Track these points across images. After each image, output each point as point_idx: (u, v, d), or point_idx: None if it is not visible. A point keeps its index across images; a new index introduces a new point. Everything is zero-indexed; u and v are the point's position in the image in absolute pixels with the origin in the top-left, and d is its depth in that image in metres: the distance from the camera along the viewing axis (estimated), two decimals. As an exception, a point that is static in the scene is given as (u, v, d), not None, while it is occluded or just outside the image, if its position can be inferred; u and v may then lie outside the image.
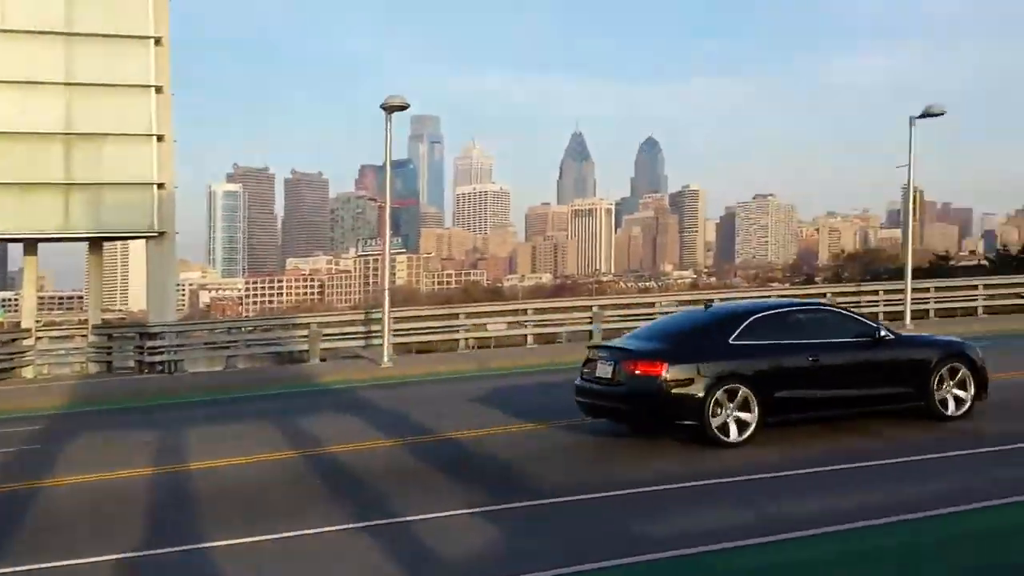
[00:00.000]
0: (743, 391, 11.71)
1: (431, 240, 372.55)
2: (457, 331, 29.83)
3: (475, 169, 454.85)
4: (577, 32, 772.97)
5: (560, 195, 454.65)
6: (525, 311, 31.76)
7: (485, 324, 30.64)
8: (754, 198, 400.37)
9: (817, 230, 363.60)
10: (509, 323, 31.19)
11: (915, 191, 31.86)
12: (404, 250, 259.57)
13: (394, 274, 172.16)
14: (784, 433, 11.94)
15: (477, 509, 9.12)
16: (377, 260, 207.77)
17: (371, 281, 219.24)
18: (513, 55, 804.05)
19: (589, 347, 13.94)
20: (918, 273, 35.30)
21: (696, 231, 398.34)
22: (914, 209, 32.21)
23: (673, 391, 11.68)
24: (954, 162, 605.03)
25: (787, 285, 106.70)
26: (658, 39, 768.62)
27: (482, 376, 22.12)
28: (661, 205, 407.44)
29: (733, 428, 11.66)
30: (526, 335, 30.16)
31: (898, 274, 34.11)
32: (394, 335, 27.08)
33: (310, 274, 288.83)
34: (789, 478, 9.97)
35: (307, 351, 28.15)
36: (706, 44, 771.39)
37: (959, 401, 12.72)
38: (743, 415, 11.71)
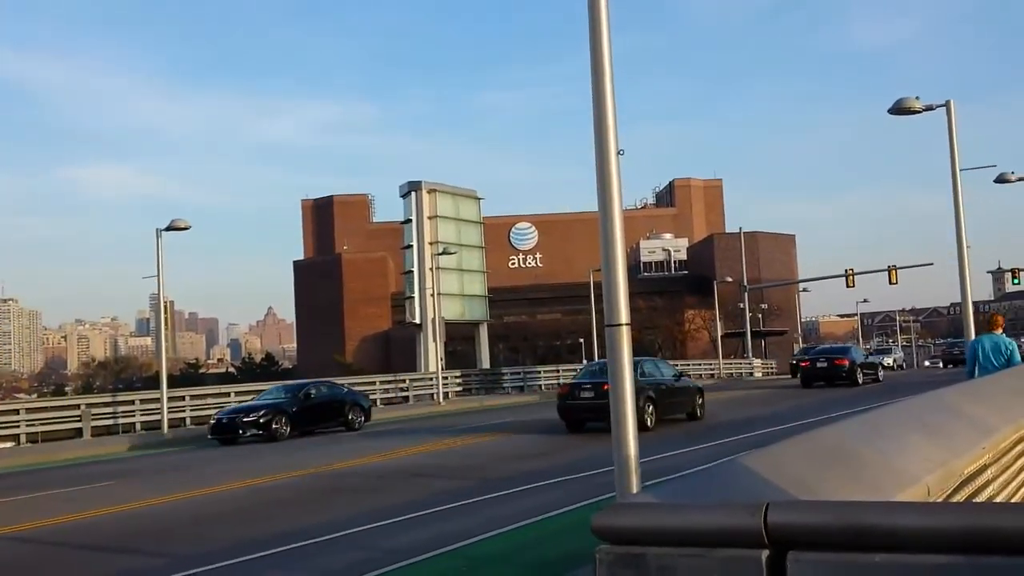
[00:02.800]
0: None
1: None
2: None
3: None
4: None
5: None
6: None
7: None
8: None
9: (65, 337, 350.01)
10: None
11: (165, 301, 32.53)
12: None
13: None
14: None
15: None
16: None
17: None
18: None
19: None
20: (172, 381, 35.80)
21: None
22: (165, 318, 32.79)
23: None
24: (200, 274, 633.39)
25: (35, 396, 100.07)
26: None
27: None
28: None
29: None
30: None
31: (153, 382, 34.16)
32: None
33: None
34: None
35: None
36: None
37: None
38: None
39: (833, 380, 39.55)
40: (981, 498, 3.76)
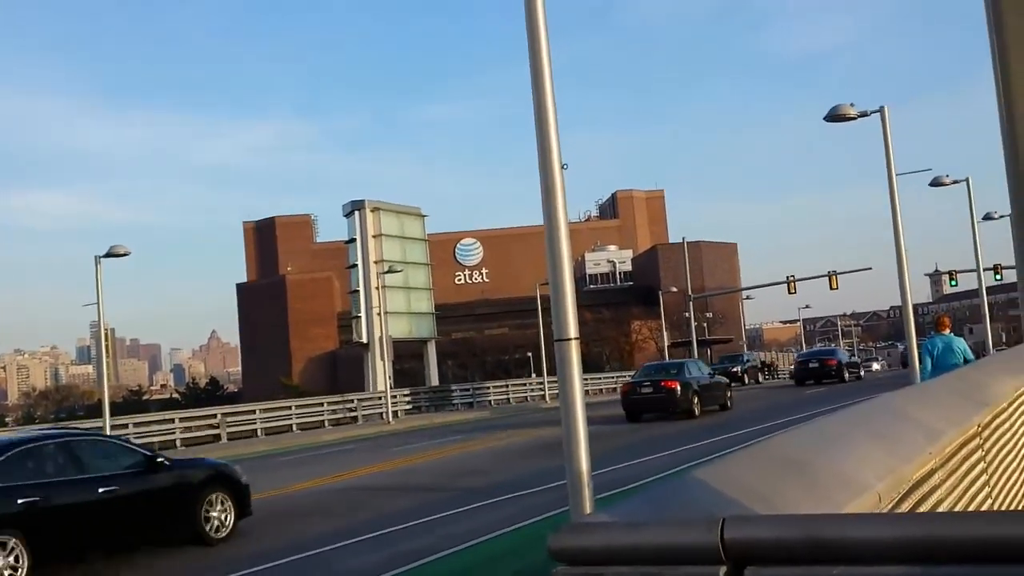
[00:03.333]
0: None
1: None
2: None
3: None
4: None
5: None
6: None
7: None
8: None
9: (4, 367, 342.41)
10: None
11: (106, 328, 31.97)
12: None
13: None
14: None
15: None
16: None
17: None
18: None
19: None
20: (115, 409, 35.14)
21: None
22: (106, 345, 32.23)
23: None
24: (141, 299, 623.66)
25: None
26: None
27: None
28: None
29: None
30: None
31: (95, 410, 33.54)
32: None
33: None
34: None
35: None
36: None
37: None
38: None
39: (823, 379, 45.81)
40: (929, 502, 3.79)
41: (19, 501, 10.19)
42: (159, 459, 12.25)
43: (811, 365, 48.06)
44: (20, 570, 9.97)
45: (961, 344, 14.16)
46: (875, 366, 72.55)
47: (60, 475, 10.92)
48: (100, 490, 11.08)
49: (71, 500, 10.79)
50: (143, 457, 12.14)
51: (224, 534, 12.47)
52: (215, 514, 12.44)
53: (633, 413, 28.99)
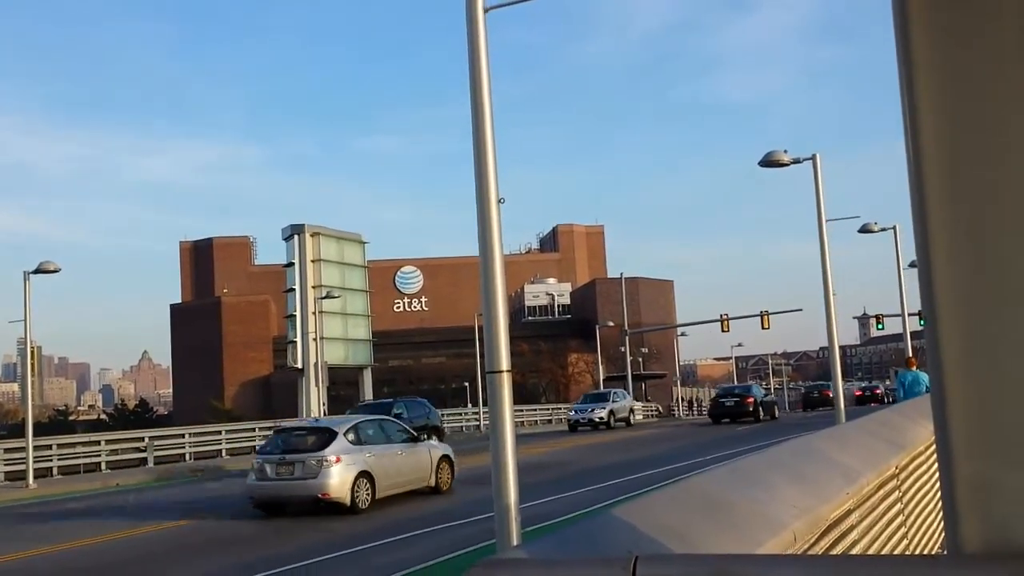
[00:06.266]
0: None
1: None
2: None
3: None
4: None
5: None
6: None
7: None
8: None
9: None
10: None
11: (32, 346, 31.22)
12: None
13: None
14: None
15: None
16: None
17: None
18: None
19: None
20: (39, 429, 34.24)
21: None
22: (32, 364, 31.46)
23: None
24: (71, 317, 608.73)
25: None
26: None
27: None
28: None
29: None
30: None
31: (18, 430, 32.60)
32: None
33: None
34: None
35: None
36: None
37: (446, 479, 20.09)
38: None
39: (739, 417, 45.61)
40: (845, 543, 3.88)
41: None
42: (418, 437, 20.77)
43: (726, 403, 47.46)
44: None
45: (925, 378, 16.09)
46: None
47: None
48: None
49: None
50: (410, 435, 20.41)
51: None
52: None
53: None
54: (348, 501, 17.06)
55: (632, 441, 34.89)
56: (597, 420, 46.28)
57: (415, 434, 20.89)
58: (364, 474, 17.62)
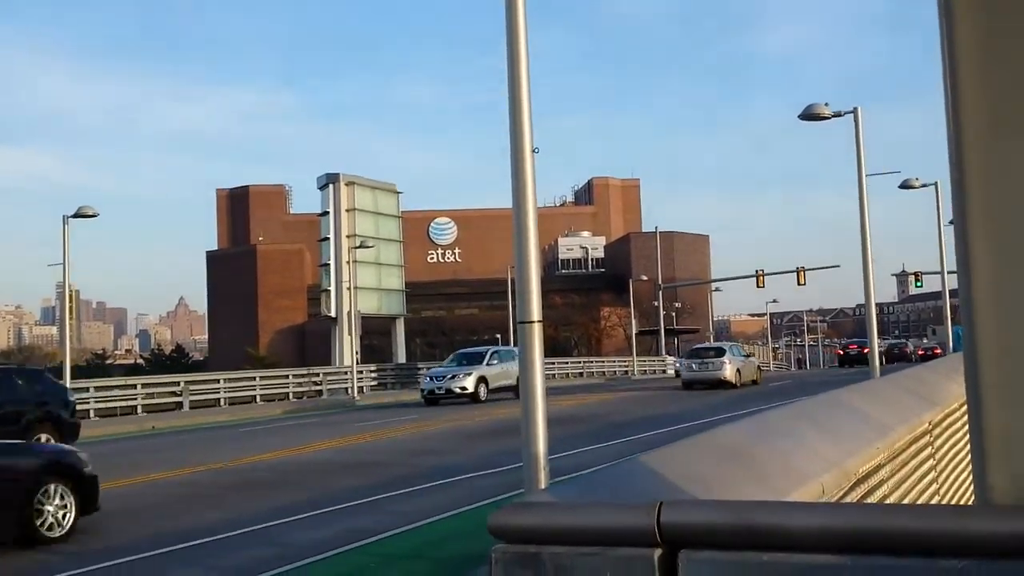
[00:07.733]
0: None
1: None
2: None
3: None
4: None
5: None
6: None
7: None
8: None
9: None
10: None
11: (71, 289, 31.68)
12: None
13: None
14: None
15: None
16: None
17: None
18: None
19: None
20: (78, 371, 34.85)
21: None
22: (70, 307, 31.95)
23: None
24: (108, 263, 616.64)
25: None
26: None
27: None
28: None
29: None
30: None
31: (57, 373, 33.23)
32: None
33: None
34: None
35: None
36: None
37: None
38: None
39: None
40: (875, 497, 3.86)
41: None
42: None
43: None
44: None
45: None
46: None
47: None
48: None
49: None
50: None
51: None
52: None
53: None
54: None
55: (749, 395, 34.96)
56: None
57: None
58: None
